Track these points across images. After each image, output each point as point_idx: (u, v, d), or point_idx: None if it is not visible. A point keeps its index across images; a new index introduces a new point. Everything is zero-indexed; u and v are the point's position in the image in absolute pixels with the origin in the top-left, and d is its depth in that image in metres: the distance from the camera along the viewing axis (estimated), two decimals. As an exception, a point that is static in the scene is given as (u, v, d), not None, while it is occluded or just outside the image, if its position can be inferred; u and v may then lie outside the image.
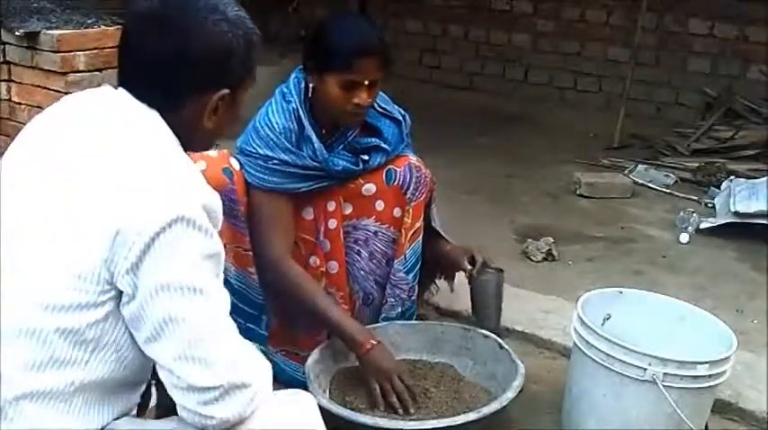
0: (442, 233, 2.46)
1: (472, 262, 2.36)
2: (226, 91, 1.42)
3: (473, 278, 2.35)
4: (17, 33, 3.49)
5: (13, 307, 1.31)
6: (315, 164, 2.22)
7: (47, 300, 1.29)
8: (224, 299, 1.36)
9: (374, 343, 2.13)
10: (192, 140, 1.45)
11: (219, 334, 1.32)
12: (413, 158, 2.37)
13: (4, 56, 3.65)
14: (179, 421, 1.40)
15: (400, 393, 2.10)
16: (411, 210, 2.35)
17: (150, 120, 1.39)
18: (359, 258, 2.41)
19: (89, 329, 1.30)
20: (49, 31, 3.48)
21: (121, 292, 1.30)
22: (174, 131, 1.40)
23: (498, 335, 2.34)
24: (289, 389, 1.57)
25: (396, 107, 2.41)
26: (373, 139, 2.32)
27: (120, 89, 1.42)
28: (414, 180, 2.34)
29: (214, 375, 1.30)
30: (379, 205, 2.35)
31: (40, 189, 1.35)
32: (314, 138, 2.22)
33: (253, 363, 1.38)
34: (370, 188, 2.34)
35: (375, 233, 2.38)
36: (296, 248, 2.30)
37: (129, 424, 1.42)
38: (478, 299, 2.38)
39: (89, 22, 3.65)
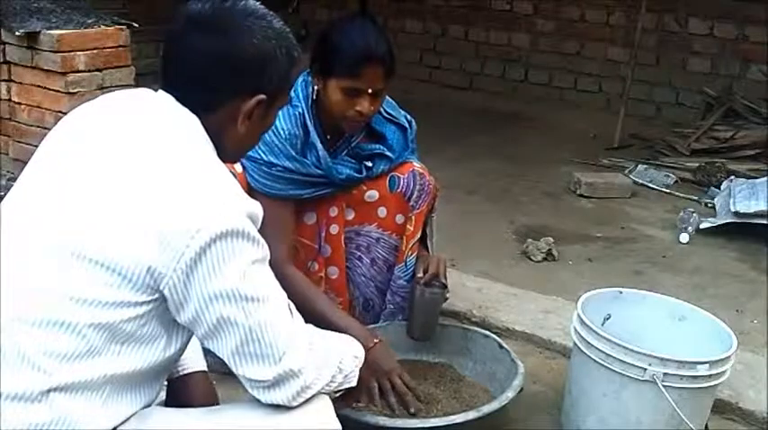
0: (428, 242, 2.44)
1: (426, 271, 2.30)
2: (263, 96, 1.43)
3: (418, 287, 2.27)
4: (17, 33, 3.49)
5: (47, 298, 1.31)
6: (318, 171, 2.21)
7: (84, 294, 1.30)
8: (277, 297, 1.41)
9: (376, 341, 2.12)
10: (223, 146, 1.45)
11: (272, 333, 1.37)
12: (417, 165, 2.36)
13: (4, 56, 3.65)
14: (207, 411, 1.46)
15: (403, 394, 2.09)
16: (413, 218, 2.34)
17: (192, 126, 1.41)
18: (360, 264, 2.40)
19: (124, 324, 1.32)
20: (49, 31, 3.47)
21: (165, 297, 1.33)
22: (209, 136, 1.43)
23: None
24: None
25: (402, 112, 2.40)
26: (377, 146, 2.31)
27: (161, 92, 1.44)
28: (417, 187, 2.33)
29: (264, 370, 1.37)
30: (382, 212, 2.35)
31: (82, 187, 1.35)
32: (318, 145, 2.21)
33: (306, 356, 1.42)
34: (372, 194, 2.33)
35: (377, 240, 2.37)
36: (296, 253, 2.29)
37: (157, 413, 1.44)
38: (418, 309, 2.30)
39: (89, 22, 3.65)
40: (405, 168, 2.34)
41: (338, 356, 1.55)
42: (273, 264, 2.18)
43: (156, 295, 1.32)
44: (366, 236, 2.37)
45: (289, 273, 2.17)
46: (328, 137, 2.26)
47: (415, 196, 2.33)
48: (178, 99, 1.42)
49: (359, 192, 2.32)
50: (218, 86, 1.42)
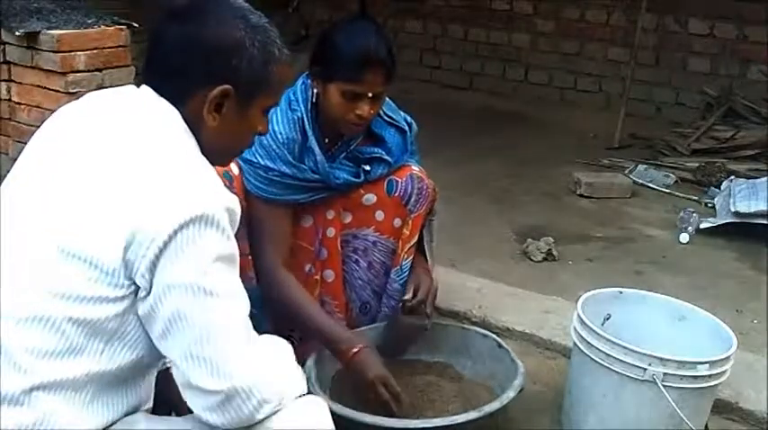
0: (427, 252, 2.41)
1: (415, 294, 2.26)
2: (228, 87, 1.42)
3: (400, 315, 2.26)
4: (17, 33, 3.48)
5: (27, 295, 1.32)
6: (316, 176, 2.20)
7: (65, 289, 1.30)
8: (237, 302, 1.36)
9: (357, 349, 2.06)
10: (202, 143, 1.43)
11: (228, 337, 1.32)
12: (415, 169, 2.34)
13: (4, 56, 3.64)
14: (194, 417, 1.42)
15: (383, 404, 2.04)
16: (411, 222, 2.33)
17: (173, 120, 1.41)
18: (357, 268, 2.39)
19: (106, 322, 1.32)
20: (49, 31, 3.47)
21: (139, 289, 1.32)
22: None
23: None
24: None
25: (402, 115, 2.38)
26: (376, 150, 2.30)
27: (144, 86, 1.44)
28: (415, 191, 2.32)
29: (218, 379, 1.31)
30: (379, 215, 2.33)
31: (63, 182, 1.36)
32: (316, 149, 2.19)
33: (266, 371, 1.37)
34: (370, 198, 2.32)
35: (374, 243, 2.36)
36: (292, 256, 2.27)
37: (145, 420, 1.43)
38: (396, 333, 2.29)
39: (89, 21, 3.64)
40: (403, 172, 2.33)
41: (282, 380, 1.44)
42: (265, 268, 2.20)
43: (132, 287, 1.31)
44: (363, 239, 2.36)
45: (281, 278, 2.17)
46: (327, 140, 2.25)
47: (413, 200, 2.32)
48: (157, 90, 1.42)
49: (356, 196, 2.31)
50: (186, 74, 1.41)
